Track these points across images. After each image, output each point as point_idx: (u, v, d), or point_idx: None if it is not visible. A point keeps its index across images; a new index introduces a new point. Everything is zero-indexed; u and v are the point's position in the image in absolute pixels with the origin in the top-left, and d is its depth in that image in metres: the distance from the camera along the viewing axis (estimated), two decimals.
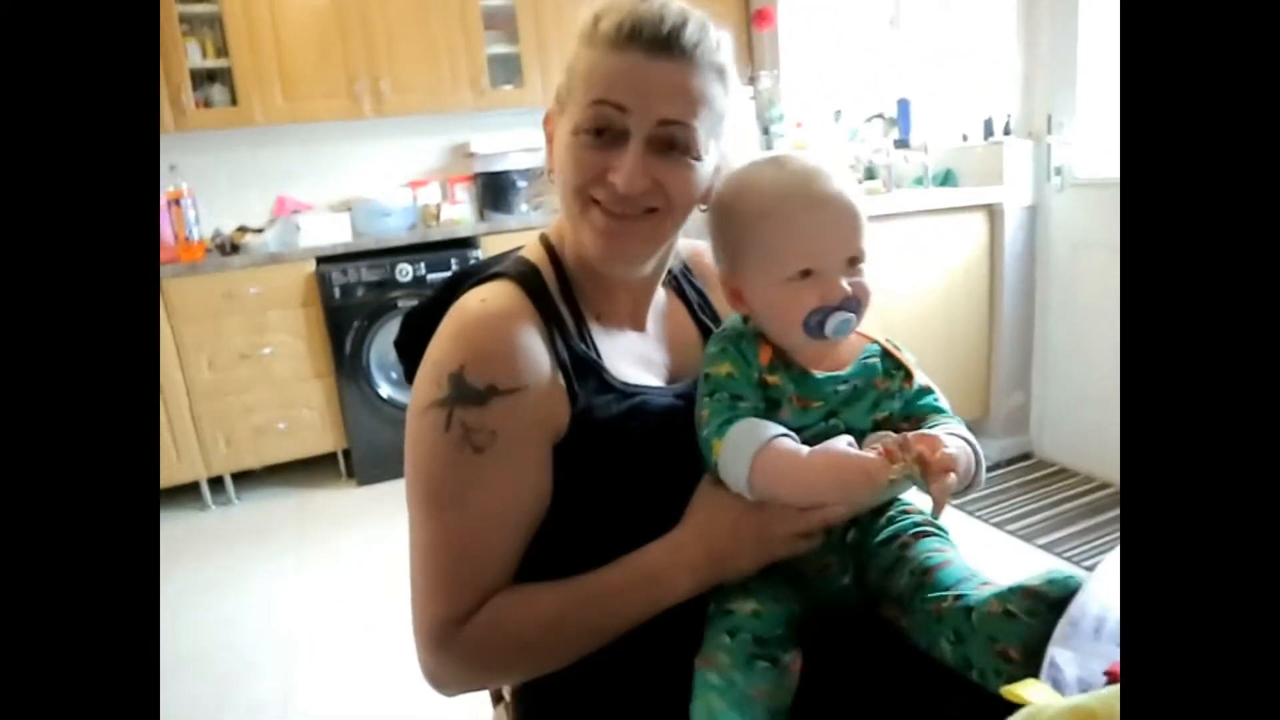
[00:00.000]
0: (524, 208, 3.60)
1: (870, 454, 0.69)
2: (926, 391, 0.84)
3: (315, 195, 3.67)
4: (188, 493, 3.16)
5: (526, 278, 0.81)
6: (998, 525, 2.44)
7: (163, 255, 3.07)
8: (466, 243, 3.41)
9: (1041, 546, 2.29)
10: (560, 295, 0.83)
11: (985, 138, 2.82)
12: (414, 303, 0.87)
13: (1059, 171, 2.66)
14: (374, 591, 2.38)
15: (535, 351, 0.77)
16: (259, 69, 3.23)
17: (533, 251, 0.87)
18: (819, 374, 0.79)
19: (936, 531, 0.80)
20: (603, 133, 0.76)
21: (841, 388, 0.79)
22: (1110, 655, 0.53)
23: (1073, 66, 2.58)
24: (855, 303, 0.76)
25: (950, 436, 0.73)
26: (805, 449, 0.72)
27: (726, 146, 0.82)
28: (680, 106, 0.76)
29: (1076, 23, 2.55)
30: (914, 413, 0.83)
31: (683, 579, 0.77)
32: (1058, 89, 2.62)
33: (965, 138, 2.95)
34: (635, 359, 0.87)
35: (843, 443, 0.71)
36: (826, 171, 0.78)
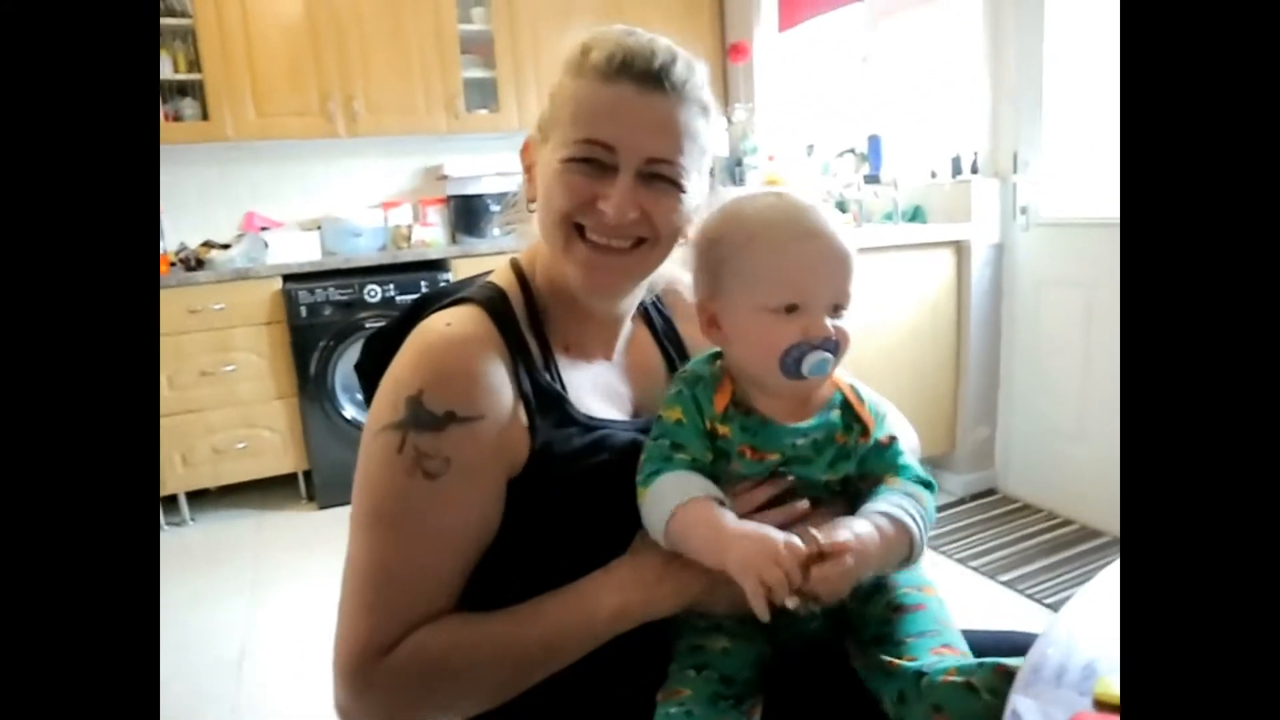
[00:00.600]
0: (496, 232, 3.59)
1: (794, 546, 0.65)
2: (886, 446, 0.80)
3: (285, 213, 3.63)
4: None
5: (494, 304, 0.80)
6: (961, 561, 2.44)
7: None
8: (437, 265, 3.39)
9: (1004, 583, 2.29)
10: (528, 324, 0.82)
11: (953, 175, 2.87)
12: (382, 324, 0.85)
13: (1024, 210, 2.71)
14: (331, 618, 2.32)
15: (497, 381, 0.75)
16: (231, 84, 3.20)
17: (502, 277, 0.86)
18: (779, 424, 0.76)
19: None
20: (591, 162, 0.75)
21: (800, 441, 0.76)
22: (1073, 704, 0.52)
23: (1038, 106, 2.64)
24: (835, 345, 0.74)
25: (863, 521, 0.70)
26: (728, 517, 0.70)
27: (706, 183, 0.82)
28: (668, 144, 0.76)
29: (1041, 63, 2.61)
30: (870, 471, 0.80)
31: (607, 597, 0.75)
32: (1023, 128, 2.68)
33: (934, 174, 3.00)
34: (601, 391, 0.86)
35: (771, 529, 0.68)
36: (822, 209, 0.77)
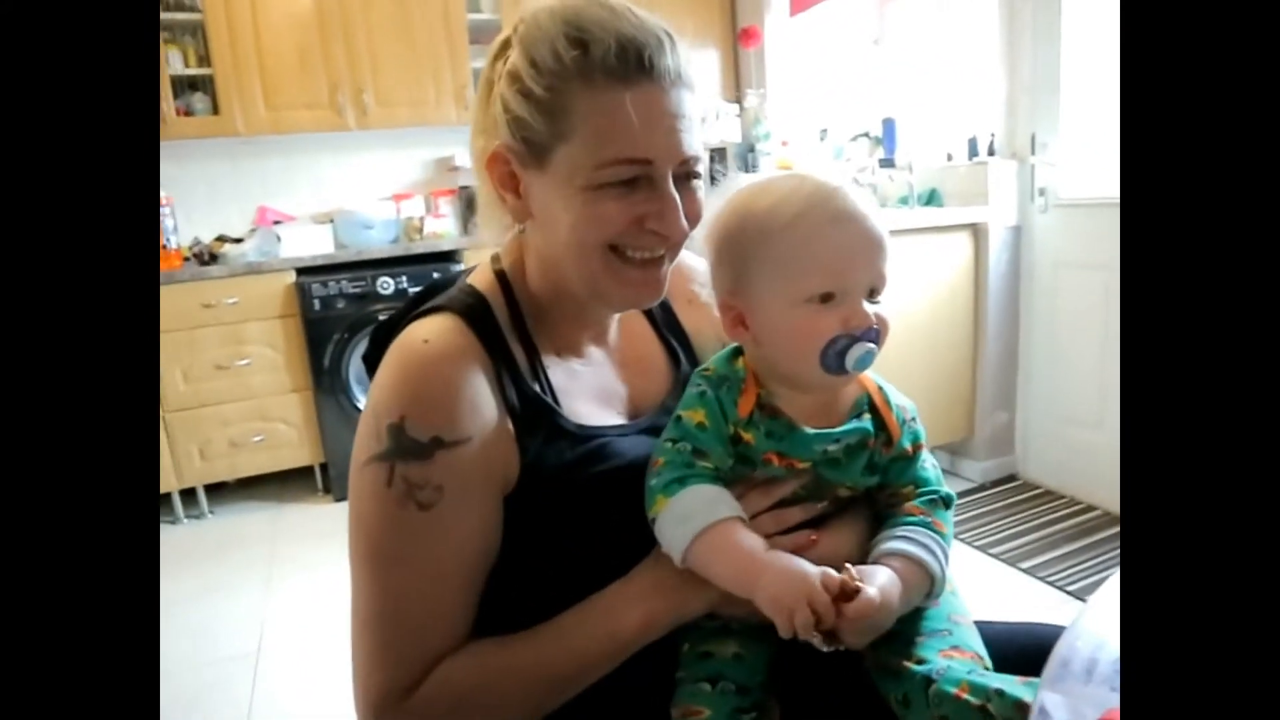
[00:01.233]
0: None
1: (830, 581, 0.62)
2: (910, 457, 0.75)
3: (297, 206, 3.63)
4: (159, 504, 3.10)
5: (473, 312, 0.75)
6: (982, 549, 2.41)
7: None
8: (449, 256, 3.38)
9: (1026, 570, 2.27)
10: (511, 329, 0.77)
11: (970, 157, 2.83)
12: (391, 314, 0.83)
13: (1042, 192, 2.67)
14: (346, 611, 2.33)
15: (480, 398, 0.71)
16: (241, 78, 3.20)
17: (482, 280, 0.80)
18: (809, 430, 0.71)
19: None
20: (627, 182, 0.69)
21: (832, 447, 0.71)
22: (1104, 701, 0.50)
23: (1056, 86, 2.59)
24: (877, 334, 0.69)
25: (884, 572, 0.66)
26: (757, 544, 0.66)
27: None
28: (691, 138, 0.71)
29: (1059, 42, 2.56)
30: (890, 481, 0.76)
31: (631, 608, 0.71)
32: (1041, 109, 2.63)
33: (950, 157, 2.96)
34: (595, 394, 0.81)
35: (805, 564, 0.64)
36: (851, 189, 0.71)
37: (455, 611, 0.72)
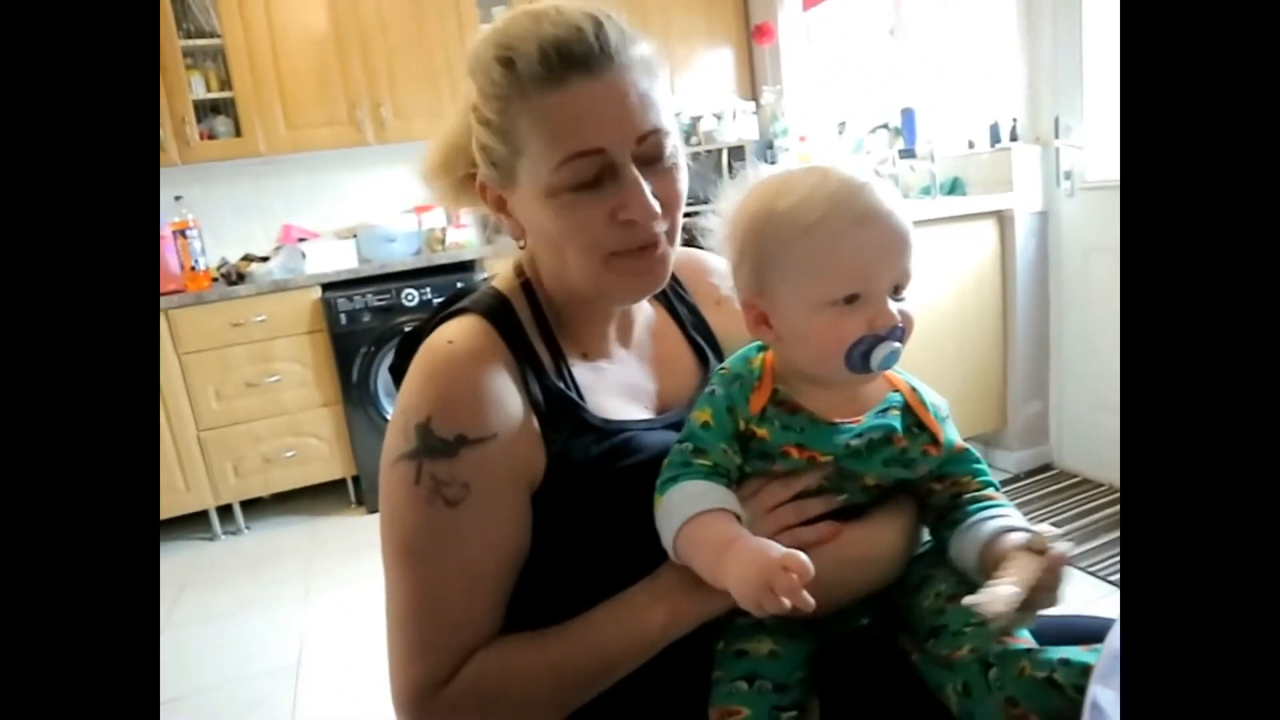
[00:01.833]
0: None
1: (792, 560, 0.60)
2: (962, 451, 0.75)
3: (320, 223, 3.68)
4: (196, 522, 3.14)
5: (496, 313, 0.77)
6: None
7: (169, 286, 3.07)
8: (472, 266, 3.40)
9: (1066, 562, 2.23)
10: (535, 328, 0.79)
11: (992, 144, 2.79)
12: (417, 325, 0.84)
13: (1068, 176, 2.62)
14: (383, 622, 2.34)
15: (506, 396, 0.73)
16: (261, 99, 3.24)
17: (505, 282, 0.82)
18: (830, 423, 0.71)
19: None
20: (586, 181, 0.70)
21: (854, 441, 0.71)
22: None
23: (1078, 68, 2.55)
24: (902, 332, 0.69)
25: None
26: (731, 532, 0.66)
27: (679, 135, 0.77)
28: (646, 115, 0.70)
29: (1080, 23, 2.51)
30: (950, 473, 0.75)
31: (657, 605, 0.72)
32: (1063, 92, 2.58)
33: (972, 145, 2.92)
34: (621, 390, 0.82)
35: (771, 544, 0.63)
36: (875, 184, 0.69)
37: (486, 607, 0.74)
